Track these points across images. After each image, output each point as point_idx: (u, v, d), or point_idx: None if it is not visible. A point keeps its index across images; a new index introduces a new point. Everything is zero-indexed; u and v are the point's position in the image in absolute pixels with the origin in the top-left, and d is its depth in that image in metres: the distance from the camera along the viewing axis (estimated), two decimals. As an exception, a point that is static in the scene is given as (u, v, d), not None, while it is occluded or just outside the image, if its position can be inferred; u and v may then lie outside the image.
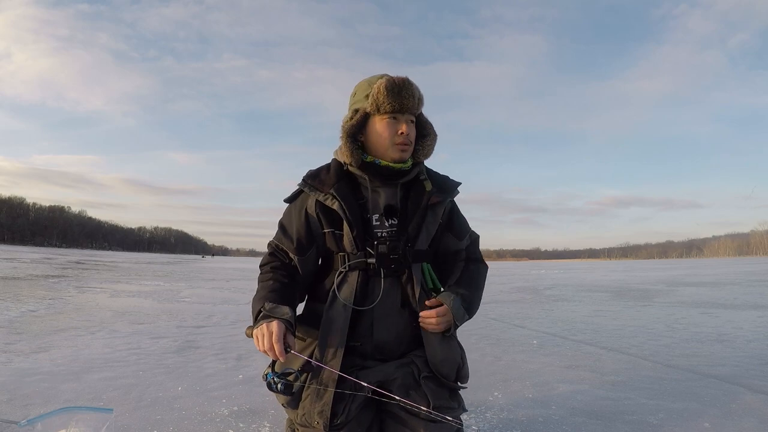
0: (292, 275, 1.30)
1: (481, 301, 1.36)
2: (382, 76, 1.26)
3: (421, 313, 1.25)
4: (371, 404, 1.25)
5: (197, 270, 19.32)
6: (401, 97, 1.23)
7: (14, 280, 9.05)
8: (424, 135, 1.35)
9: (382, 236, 1.26)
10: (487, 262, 1.45)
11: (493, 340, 3.70)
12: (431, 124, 1.36)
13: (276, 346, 1.08)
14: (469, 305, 1.29)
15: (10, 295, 6.23)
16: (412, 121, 1.29)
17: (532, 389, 2.31)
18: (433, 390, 1.23)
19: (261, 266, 1.34)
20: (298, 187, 1.33)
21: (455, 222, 1.39)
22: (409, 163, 1.32)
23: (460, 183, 1.42)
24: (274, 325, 1.11)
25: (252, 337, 1.16)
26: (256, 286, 1.29)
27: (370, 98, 1.25)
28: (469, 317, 1.30)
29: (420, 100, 1.28)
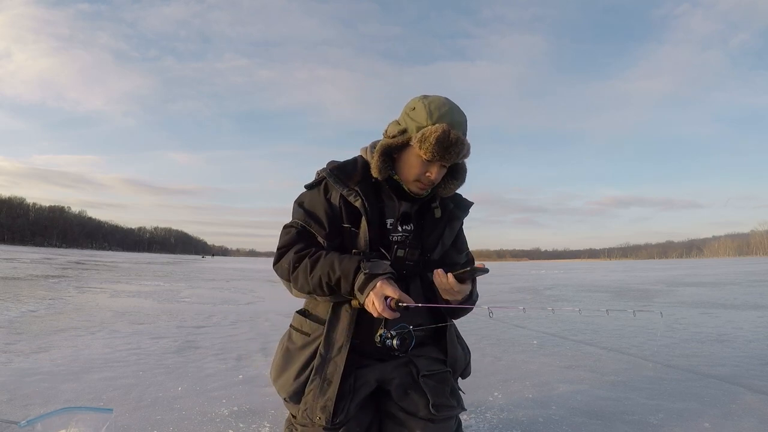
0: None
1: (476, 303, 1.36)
2: (442, 118, 1.19)
3: (450, 281, 1.19)
4: (370, 404, 1.26)
5: (197, 270, 19.32)
6: (446, 151, 1.19)
7: (14, 280, 9.04)
8: (452, 178, 1.33)
9: (398, 240, 1.27)
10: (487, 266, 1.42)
11: (493, 340, 3.70)
12: (466, 171, 1.34)
13: (386, 312, 1.08)
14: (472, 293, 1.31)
15: (10, 295, 6.23)
16: (444, 166, 1.26)
17: (532, 389, 2.31)
18: (432, 388, 1.24)
19: (285, 248, 1.26)
20: (320, 175, 1.31)
21: (460, 237, 1.42)
22: (429, 192, 1.33)
23: (473, 203, 1.43)
24: (385, 286, 1.10)
25: (362, 304, 1.15)
26: (296, 261, 1.21)
27: (419, 135, 1.20)
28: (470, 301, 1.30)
29: (464, 155, 1.24)
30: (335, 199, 1.28)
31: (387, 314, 1.09)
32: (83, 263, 20.20)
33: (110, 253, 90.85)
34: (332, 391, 1.16)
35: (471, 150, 1.28)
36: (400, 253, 1.24)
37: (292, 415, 1.31)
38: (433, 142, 1.18)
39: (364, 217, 1.24)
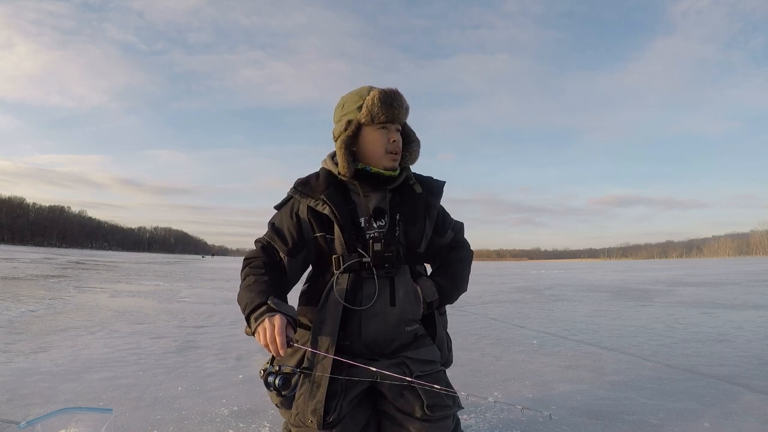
0: (282, 274, 1.32)
1: (468, 283, 1.44)
2: (372, 88, 1.33)
3: None
4: (365, 402, 1.26)
5: (197, 270, 19.32)
6: (393, 107, 1.30)
7: (14, 280, 9.04)
8: (408, 142, 1.41)
9: (374, 236, 1.30)
10: (472, 249, 1.52)
11: (493, 340, 3.70)
12: (414, 132, 1.42)
13: (278, 339, 1.09)
14: (441, 289, 1.35)
15: (10, 295, 6.23)
16: (398, 130, 1.35)
17: (532, 389, 2.31)
18: (426, 389, 1.23)
19: (249, 258, 1.34)
20: (288, 194, 1.38)
21: (439, 221, 1.43)
22: (397, 171, 1.37)
23: (444, 182, 1.46)
24: (277, 318, 1.12)
25: (252, 334, 1.17)
26: (243, 277, 1.29)
27: (363, 109, 1.31)
28: (443, 299, 1.36)
29: (407, 110, 1.35)
30: (303, 213, 1.33)
31: (277, 342, 1.08)
32: (83, 263, 20.20)
33: (110, 253, 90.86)
34: (321, 393, 1.17)
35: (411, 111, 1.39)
36: (377, 247, 1.27)
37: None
38: (379, 104, 1.29)
39: (335, 223, 1.28)
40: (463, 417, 1.88)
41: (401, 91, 1.40)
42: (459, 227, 1.51)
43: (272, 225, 1.37)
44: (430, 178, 1.46)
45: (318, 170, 1.41)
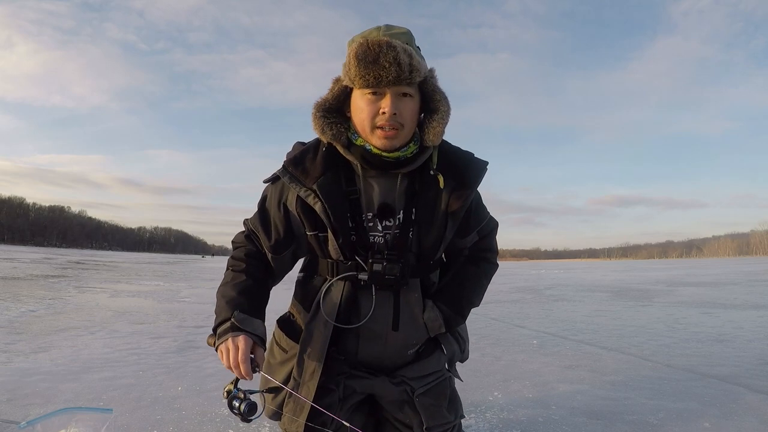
0: (266, 266, 1.16)
1: (482, 297, 1.25)
2: (359, 37, 0.99)
3: None
4: (363, 408, 1.21)
5: (197, 270, 19.31)
6: (378, 66, 0.93)
7: (14, 280, 9.04)
8: (430, 110, 1.05)
9: (377, 246, 1.06)
10: (498, 260, 1.29)
11: (493, 340, 3.70)
12: (443, 95, 1.04)
13: (242, 366, 0.95)
14: (447, 321, 1.14)
15: (10, 295, 6.23)
16: (406, 95, 0.99)
17: (532, 389, 2.31)
18: (427, 408, 1.14)
19: (235, 244, 1.20)
20: (276, 173, 1.11)
21: (466, 220, 1.15)
22: (411, 150, 1.05)
23: (486, 163, 1.13)
24: (241, 340, 0.97)
25: (213, 346, 1.03)
26: (226, 268, 1.16)
27: (343, 68, 1.00)
28: (449, 329, 1.16)
29: (411, 67, 0.95)
30: (292, 204, 1.08)
31: (242, 369, 0.95)
32: (83, 263, 20.19)
33: (110, 253, 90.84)
34: (303, 416, 1.06)
35: (430, 67, 1.04)
36: (377, 267, 1.02)
37: None
38: (356, 63, 0.94)
39: (327, 225, 1.04)
40: (463, 417, 1.88)
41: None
42: (489, 230, 1.23)
43: (260, 208, 1.16)
44: (469, 157, 1.11)
45: (318, 138, 1.09)
